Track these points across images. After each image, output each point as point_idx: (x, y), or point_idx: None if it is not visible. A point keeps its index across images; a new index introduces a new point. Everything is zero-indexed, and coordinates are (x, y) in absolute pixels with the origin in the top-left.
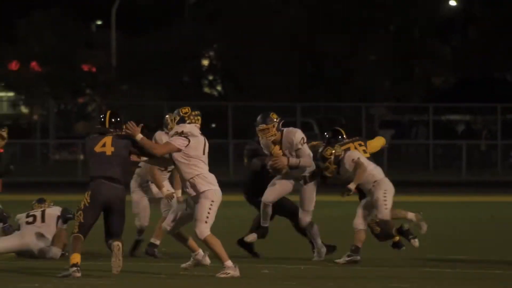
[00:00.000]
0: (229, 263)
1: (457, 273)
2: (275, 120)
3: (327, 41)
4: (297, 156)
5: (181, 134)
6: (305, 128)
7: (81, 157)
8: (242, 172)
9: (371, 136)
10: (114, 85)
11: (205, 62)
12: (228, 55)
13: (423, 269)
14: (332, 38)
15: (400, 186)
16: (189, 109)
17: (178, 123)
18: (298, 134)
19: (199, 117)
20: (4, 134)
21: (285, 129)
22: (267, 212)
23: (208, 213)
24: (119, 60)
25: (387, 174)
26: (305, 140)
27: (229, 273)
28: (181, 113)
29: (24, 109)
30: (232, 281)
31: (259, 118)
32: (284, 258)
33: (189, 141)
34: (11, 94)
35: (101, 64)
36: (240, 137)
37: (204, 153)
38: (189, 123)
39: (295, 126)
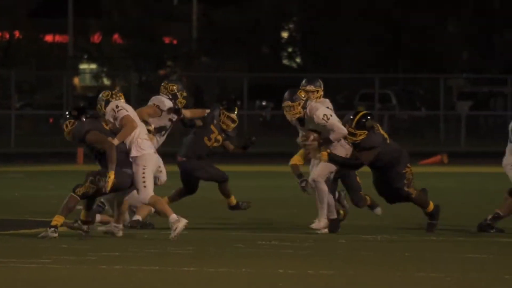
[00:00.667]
0: (173, 216)
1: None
2: (302, 97)
3: (407, 12)
4: (327, 132)
5: (116, 108)
6: (384, 99)
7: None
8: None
9: (449, 108)
10: (195, 57)
11: (285, 35)
12: (307, 27)
13: None
14: (412, 8)
15: (480, 157)
16: (110, 92)
17: (105, 107)
18: (319, 112)
19: (121, 94)
20: (235, 117)
21: (308, 105)
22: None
23: (143, 177)
24: (199, 33)
25: (466, 145)
26: (330, 114)
27: (176, 227)
28: (103, 98)
29: (106, 81)
30: (316, 246)
31: (286, 94)
32: (360, 226)
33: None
34: (93, 66)
35: (182, 37)
36: None
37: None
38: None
39: (373, 98)
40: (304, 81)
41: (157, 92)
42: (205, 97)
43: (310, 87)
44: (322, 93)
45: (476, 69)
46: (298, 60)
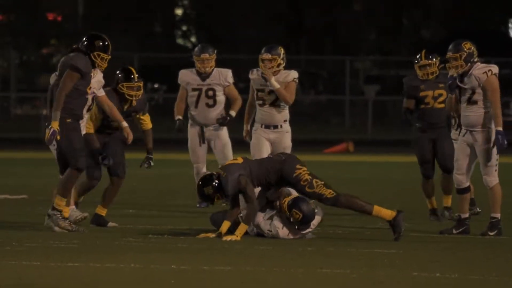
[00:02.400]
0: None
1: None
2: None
3: None
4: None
5: None
6: None
7: (44, 111)
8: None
9: (356, 92)
10: (81, 35)
11: (179, 12)
12: (203, 4)
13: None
14: None
15: (387, 145)
16: None
17: None
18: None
19: None
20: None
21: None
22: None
23: None
24: (86, 9)
25: (373, 132)
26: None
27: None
28: None
29: None
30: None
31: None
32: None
33: None
34: None
35: (67, 13)
36: None
37: None
38: None
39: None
40: (263, 50)
41: (38, 72)
42: None
43: (267, 56)
44: (281, 62)
45: (384, 51)
46: (193, 39)
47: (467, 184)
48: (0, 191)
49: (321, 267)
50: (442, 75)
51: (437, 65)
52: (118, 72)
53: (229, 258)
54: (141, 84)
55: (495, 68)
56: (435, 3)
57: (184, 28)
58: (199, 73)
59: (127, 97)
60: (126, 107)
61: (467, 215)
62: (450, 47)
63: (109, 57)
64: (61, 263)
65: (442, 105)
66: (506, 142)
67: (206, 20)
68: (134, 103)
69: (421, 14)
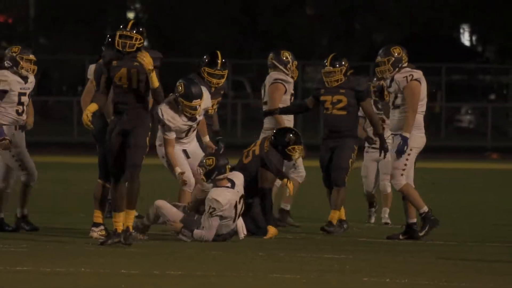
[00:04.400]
0: None
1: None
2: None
3: None
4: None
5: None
6: (237, 87)
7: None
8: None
9: (309, 96)
10: (32, 37)
11: (131, 15)
12: (155, 7)
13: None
14: None
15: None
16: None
17: None
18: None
19: None
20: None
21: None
22: None
23: None
24: (37, 11)
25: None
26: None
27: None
28: None
29: None
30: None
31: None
32: None
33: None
34: None
35: (18, 15)
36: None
37: None
38: None
39: (227, 85)
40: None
41: None
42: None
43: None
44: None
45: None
46: (145, 43)
47: (401, 187)
48: None
49: (271, 272)
50: (351, 80)
51: (343, 72)
52: (205, 56)
53: (180, 262)
54: (225, 73)
55: (417, 74)
56: (387, 7)
57: None
58: None
59: (207, 83)
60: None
61: (414, 220)
62: (380, 51)
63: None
64: (10, 267)
65: (342, 112)
66: (406, 148)
67: (158, 23)
68: (213, 89)
69: (374, 18)
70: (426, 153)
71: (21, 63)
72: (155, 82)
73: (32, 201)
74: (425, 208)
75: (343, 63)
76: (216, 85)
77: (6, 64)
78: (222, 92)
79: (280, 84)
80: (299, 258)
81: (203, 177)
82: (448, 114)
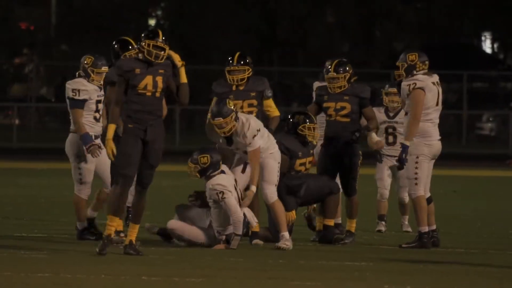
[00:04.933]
0: None
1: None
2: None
3: (283, 0)
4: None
5: (257, 134)
6: None
7: (17, 121)
8: (189, 140)
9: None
10: (54, 44)
11: (152, 22)
12: (176, 15)
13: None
14: None
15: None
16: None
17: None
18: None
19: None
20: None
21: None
22: None
23: None
24: (59, 18)
25: None
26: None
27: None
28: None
29: None
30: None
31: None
32: None
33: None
34: None
35: (39, 22)
36: (190, 103)
37: None
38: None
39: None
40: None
41: (10, 81)
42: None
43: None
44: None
45: (357, 63)
46: None
47: (415, 197)
48: None
49: (291, 279)
50: (355, 87)
51: (346, 78)
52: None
53: (201, 269)
54: (243, 68)
55: (421, 82)
56: (407, 15)
57: None
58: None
59: (229, 81)
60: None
61: (426, 228)
62: (401, 55)
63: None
64: (31, 273)
65: (345, 119)
66: (404, 156)
67: (179, 30)
68: (234, 87)
69: (394, 26)
70: (447, 160)
71: (92, 75)
72: (184, 77)
73: (48, 209)
74: (425, 228)
75: (347, 69)
76: (236, 83)
77: (80, 74)
78: (253, 94)
79: None
80: (319, 265)
81: (197, 174)
82: (470, 121)
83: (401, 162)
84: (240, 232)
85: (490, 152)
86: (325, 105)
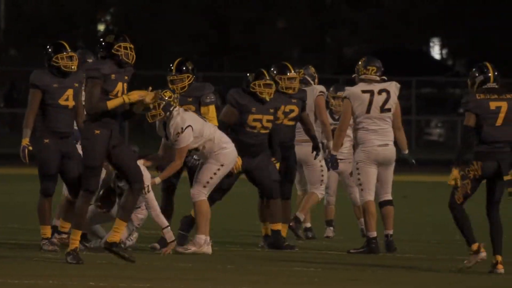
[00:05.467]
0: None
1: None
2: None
3: (234, 6)
4: None
5: (181, 131)
6: None
7: None
8: (138, 142)
9: None
10: (2, 50)
11: (101, 27)
12: (126, 20)
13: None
14: (239, 2)
15: None
16: (170, 93)
17: (164, 109)
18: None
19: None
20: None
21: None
22: None
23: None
24: (7, 23)
25: None
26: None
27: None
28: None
29: None
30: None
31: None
32: None
33: (192, 128)
34: None
35: None
36: None
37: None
38: (174, 107)
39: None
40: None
41: None
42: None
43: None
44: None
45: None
46: None
47: (363, 202)
48: None
49: (240, 284)
50: (300, 91)
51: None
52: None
53: (148, 274)
54: (183, 76)
55: (346, 92)
56: (358, 21)
57: None
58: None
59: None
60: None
61: (374, 234)
62: None
63: (68, 54)
64: None
65: (291, 122)
66: (330, 166)
67: (128, 36)
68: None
69: (346, 32)
70: (396, 166)
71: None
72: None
73: (15, 215)
74: (374, 233)
75: (299, 71)
76: (179, 91)
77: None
78: (190, 99)
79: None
80: (267, 271)
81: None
82: (419, 127)
83: (328, 169)
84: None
85: (439, 157)
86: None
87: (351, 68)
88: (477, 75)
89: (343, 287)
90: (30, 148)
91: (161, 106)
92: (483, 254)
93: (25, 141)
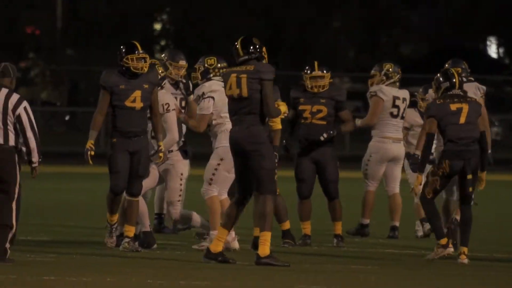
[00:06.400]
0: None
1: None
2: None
3: (289, 6)
4: None
5: (202, 96)
6: None
7: None
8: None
9: None
10: (59, 49)
11: (157, 26)
12: (182, 19)
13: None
14: (293, 3)
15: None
16: (215, 60)
17: (202, 74)
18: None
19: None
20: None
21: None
22: None
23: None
24: (64, 23)
25: (351, 149)
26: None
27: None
28: (206, 64)
29: None
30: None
31: None
32: None
33: (213, 98)
34: None
35: (45, 27)
36: None
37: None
38: (213, 76)
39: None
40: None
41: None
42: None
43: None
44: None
45: (364, 67)
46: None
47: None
48: None
49: (298, 282)
50: (331, 89)
51: (328, 79)
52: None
53: (205, 273)
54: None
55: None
56: (414, 20)
57: (163, 43)
58: None
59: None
60: None
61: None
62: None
63: (139, 55)
64: (37, 276)
65: (322, 122)
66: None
67: (184, 34)
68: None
69: (400, 31)
70: None
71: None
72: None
73: (58, 212)
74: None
75: (328, 70)
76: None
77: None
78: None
79: None
80: (324, 269)
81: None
82: None
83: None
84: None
85: (497, 156)
86: (300, 107)
87: (409, 67)
88: (442, 80)
89: (400, 286)
90: (93, 153)
91: (200, 70)
92: (450, 249)
93: (89, 143)
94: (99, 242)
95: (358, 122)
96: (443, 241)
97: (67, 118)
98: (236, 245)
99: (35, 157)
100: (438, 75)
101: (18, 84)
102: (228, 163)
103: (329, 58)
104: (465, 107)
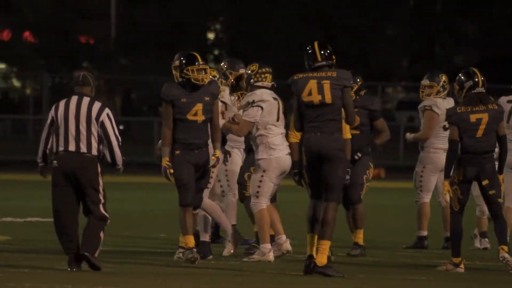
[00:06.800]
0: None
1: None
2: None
3: (343, 15)
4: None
5: (252, 103)
6: None
7: None
8: None
9: (388, 118)
10: (113, 58)
11: (211, 36)
12: (235, 29)
13: None
14: (348, 12)
15: None
16: (257, 66)
17: (246, 81)
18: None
19: (269, 75)
20: None
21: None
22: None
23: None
24: (118, 32)
25: (404, 159)
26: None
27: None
28: (248, 70)
29: (16, 83)
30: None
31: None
32: None
33: (262, 108)
34: (2, 66)
35: (99, 36)
36: None
37: (278, 119)
38: (254, 81)
39: None
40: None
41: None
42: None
43: (425, 82)
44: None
45: (417, 76)
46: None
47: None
48: (32, 214)
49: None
50: (365, 99)
51: (353, 90)
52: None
53: (218, 284)
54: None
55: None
56: (467, 29)
57: (216, 52)
58: None
59: None
60: None
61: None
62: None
63: (199, 66)
64: (93, 285)
65: (355, 131)
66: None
67: (238, 44)
68: None
69: (453, 41)
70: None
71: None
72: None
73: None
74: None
75: (358, 80)
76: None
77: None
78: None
79: None
80: (378, 280)
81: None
82: None
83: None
84: None
85: None
86: None
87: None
88: (464, 80)
89: None
90: (171, 171)
91: (244, 78)
92: (461, 270)
93: (165, 161)
94: (151, 252)
95: (411, 136)
96: (457, 260)
97: (121, 127)
98: (288, 246)
99: (119, 161)
100: (460, 75)
101: (72, 94)
102: (271, 174)
103: (383, 68)
104: (485, 118)
